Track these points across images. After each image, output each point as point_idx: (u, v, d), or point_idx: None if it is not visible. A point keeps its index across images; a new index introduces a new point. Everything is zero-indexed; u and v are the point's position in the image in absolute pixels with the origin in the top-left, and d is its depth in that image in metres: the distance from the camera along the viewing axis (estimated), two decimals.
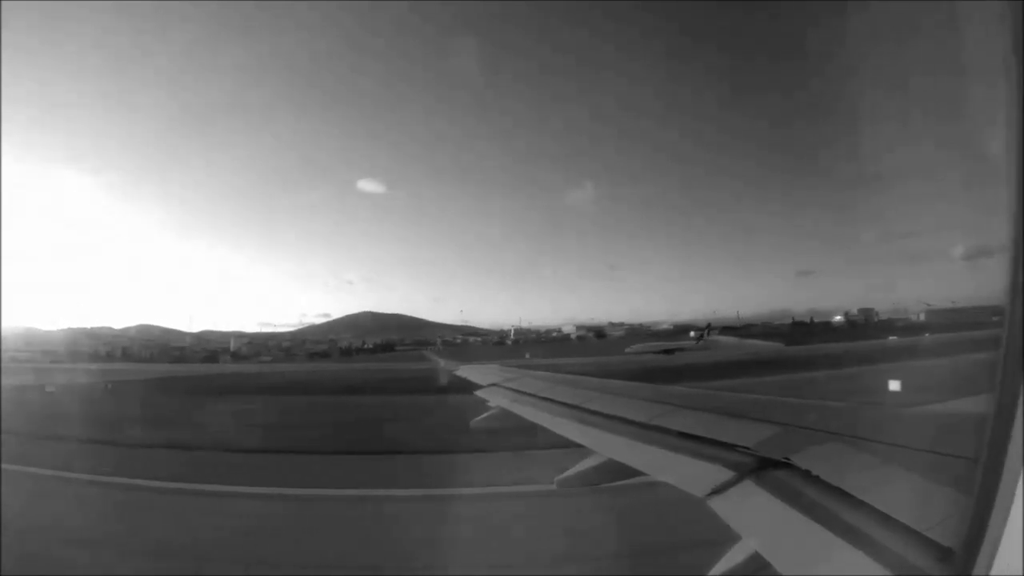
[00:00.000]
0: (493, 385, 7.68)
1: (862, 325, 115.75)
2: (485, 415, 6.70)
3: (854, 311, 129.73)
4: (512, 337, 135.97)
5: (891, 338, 77.38)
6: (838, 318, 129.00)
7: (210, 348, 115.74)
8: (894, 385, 21.63)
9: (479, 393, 7.69)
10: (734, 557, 2.53)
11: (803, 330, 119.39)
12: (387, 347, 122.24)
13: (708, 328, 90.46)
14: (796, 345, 77.10)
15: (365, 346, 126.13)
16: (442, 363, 13.85)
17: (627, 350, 78.69)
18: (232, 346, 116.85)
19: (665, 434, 3.79)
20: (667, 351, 72.54)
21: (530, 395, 6.42)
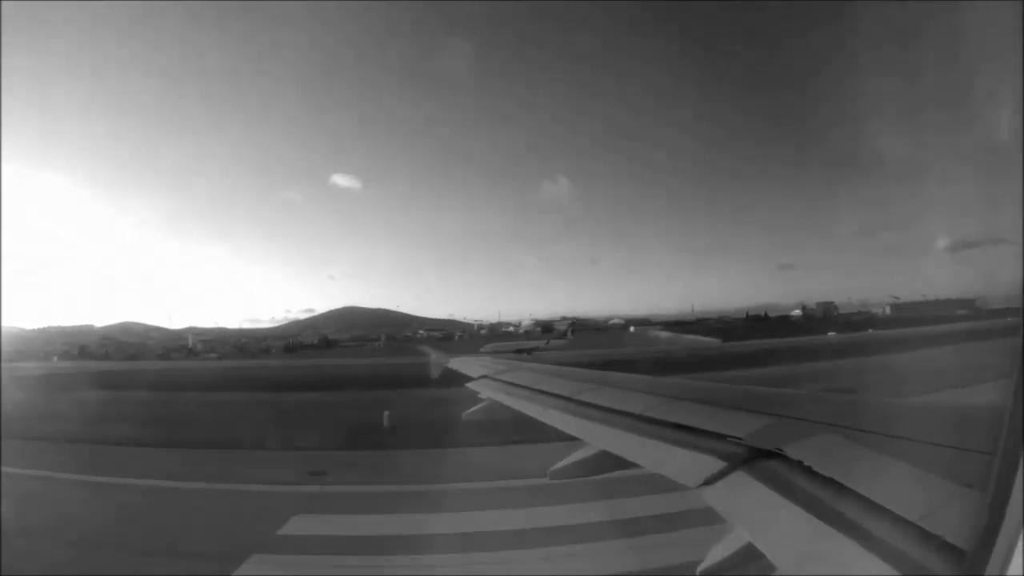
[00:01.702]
0: (484, 377, 7.57)
1: (819, 319, 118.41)
2: (477, 407, 6.65)
3: (812, 305, 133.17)
4: (471, 332, 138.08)
5: (830, 333, 78.67)
6: (796, 312, 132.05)
7: (170, 345, 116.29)
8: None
9: (470, 385, 7.57)
10: (727, 546, 2.51)
11: (755, 324, 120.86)
12: (330, 344, 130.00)
13: (571, 327, 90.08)
14: (736, 340, 76.10)
15: (311, 343, 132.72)
16: (433, 356, 13.67)
17: (481, 349, 78.66)
18: (190, 343, 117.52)
19: (657, 425, 3.75)
20: (523, 351, 71.82)
21: (522, 387, 6.35)
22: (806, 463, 2.53)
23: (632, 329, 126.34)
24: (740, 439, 3.03)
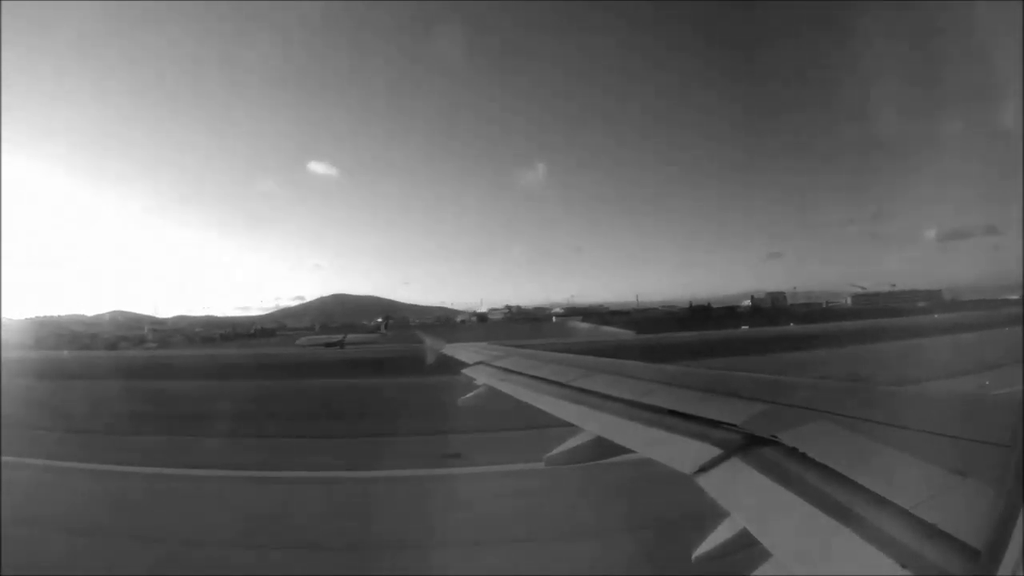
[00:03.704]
0: (480, 363, 7.46)
1: (766, 310, 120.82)
2: (472, 394, 6.55)
3: (761, 295, 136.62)
4: (420, 321, 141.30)
5: (743, 327, 79.25)
6: (745, 303, 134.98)
7: (126, 335, 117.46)
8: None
9: (466, 372, 7.47)
10: (721, 534, 2.51)
11: (695, 315, 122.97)
12: (269, 332, 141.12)
13: (387, 321, 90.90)
14: (656, 333, 76.98)
15: (249, 332, 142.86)
16: (428, 342, 13.49)
17: (296, 342, 78.81)
18: (144, 331, 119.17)
19: (653, 411, 3.72)
20: (334, 344, 71.41)
21: (517, 373, 6.28)
22: (801, 450, 2.53)
23: (555, 320, 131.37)
24: (736, 426, 3.02)
